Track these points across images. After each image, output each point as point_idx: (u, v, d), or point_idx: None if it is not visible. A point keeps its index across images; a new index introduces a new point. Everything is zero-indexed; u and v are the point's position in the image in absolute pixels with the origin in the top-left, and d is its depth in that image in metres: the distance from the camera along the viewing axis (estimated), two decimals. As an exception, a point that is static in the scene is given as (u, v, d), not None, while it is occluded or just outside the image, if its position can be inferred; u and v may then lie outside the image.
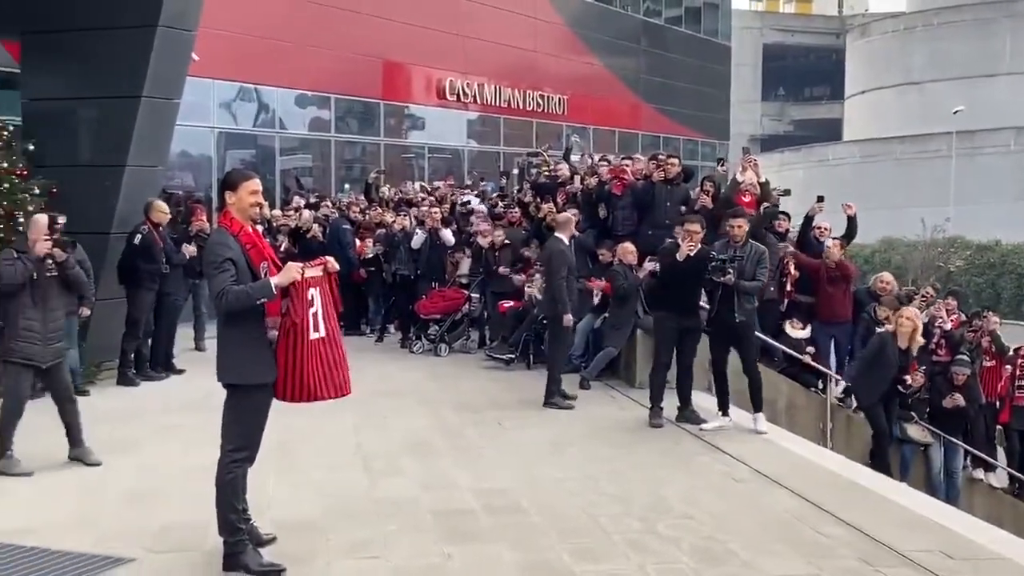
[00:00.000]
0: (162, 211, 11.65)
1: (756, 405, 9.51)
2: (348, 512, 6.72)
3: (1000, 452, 13.31)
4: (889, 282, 12.91)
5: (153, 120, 11.67)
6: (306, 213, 16.22)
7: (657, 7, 36.83)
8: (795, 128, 73.83)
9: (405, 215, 15.55)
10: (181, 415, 9.78)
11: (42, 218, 8.22)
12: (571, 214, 11.90)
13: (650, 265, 11.27)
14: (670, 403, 9.76)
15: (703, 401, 10.11)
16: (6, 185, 10.79)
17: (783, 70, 74.19)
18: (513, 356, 12.78)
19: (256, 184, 5.57)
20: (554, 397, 10.47)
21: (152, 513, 6.67)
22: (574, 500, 7.07)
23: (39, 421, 8.10)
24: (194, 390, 10.52)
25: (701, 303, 9.81)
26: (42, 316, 7.86)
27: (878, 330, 11.38)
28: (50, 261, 7.98)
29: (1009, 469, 12.94)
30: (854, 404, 12.03)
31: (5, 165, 10.86)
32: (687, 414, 9.70)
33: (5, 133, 11.14)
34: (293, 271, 5.32)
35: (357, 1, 23.10)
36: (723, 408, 9.56)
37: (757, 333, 10.34)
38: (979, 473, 12.73)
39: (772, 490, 7.51)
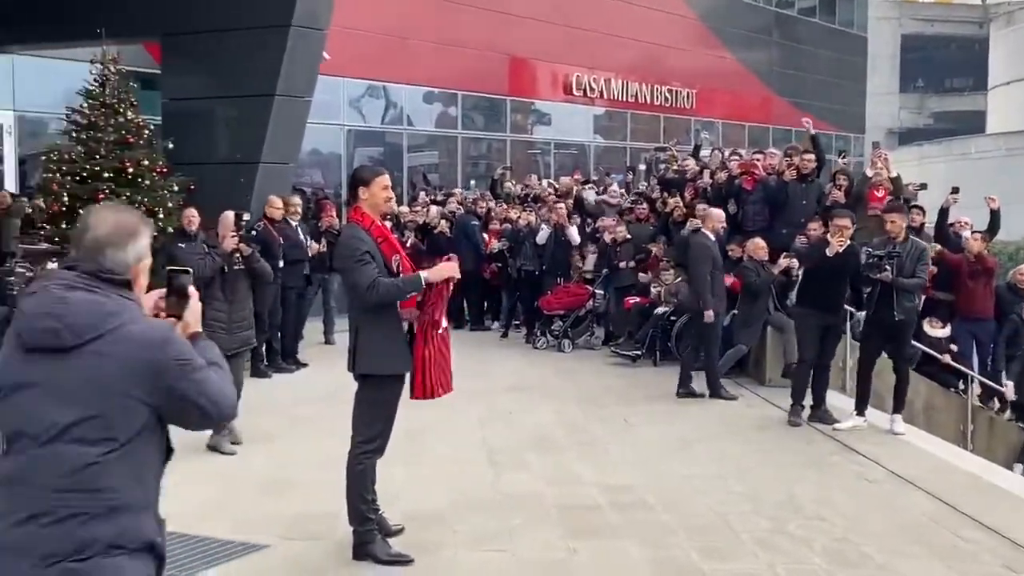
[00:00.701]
0: (275, 206, 11.69)
1: (898, 406, 9.20)
2: (475, 505, 6.73)
3: None
4: (1025, 274, 12.40)
5: (285, 118, 11.92)
6: (433, 209, 16.37)
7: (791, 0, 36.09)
8: (935, 121, 71.46)
9: (531, 211, 15.57)
10: (311, 407, 9.96)
11: (229, 215, 8.65)
12: (706, 210, 11.67)
13: (785, 262, 11.04)
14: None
15: (834, 400, 9.85)
16: (147, 182, 11.18)
17: (922, 61, 71.87)
18: (639, 353, 12.65)
19: (387, 180, 5.63)
20: (719, 390, 10.45)
21: (285, 502, 6.80)
22: (702, 498, 6.95)
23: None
24: (324, 383, 10.69)
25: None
26: (229, 307, 8.35)
27: None
28: (238, 255, 8.46)
29: None
30: (997, 406, 11.55)
31: (147, 163, 11.24)
32: (820, 413, 9.45)
33: (147, 132, 11.55)
34: (449, 270, 5.38)
35: (482, -3, 23.22)
36: (861, 408, 9.26)
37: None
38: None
39: (908, 492, 7.26)
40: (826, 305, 9.31)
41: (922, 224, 12.56)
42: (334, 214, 14.23)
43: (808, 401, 9.52)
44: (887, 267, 8.74)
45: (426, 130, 23.40)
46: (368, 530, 5.64)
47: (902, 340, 9.20)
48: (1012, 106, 62.41)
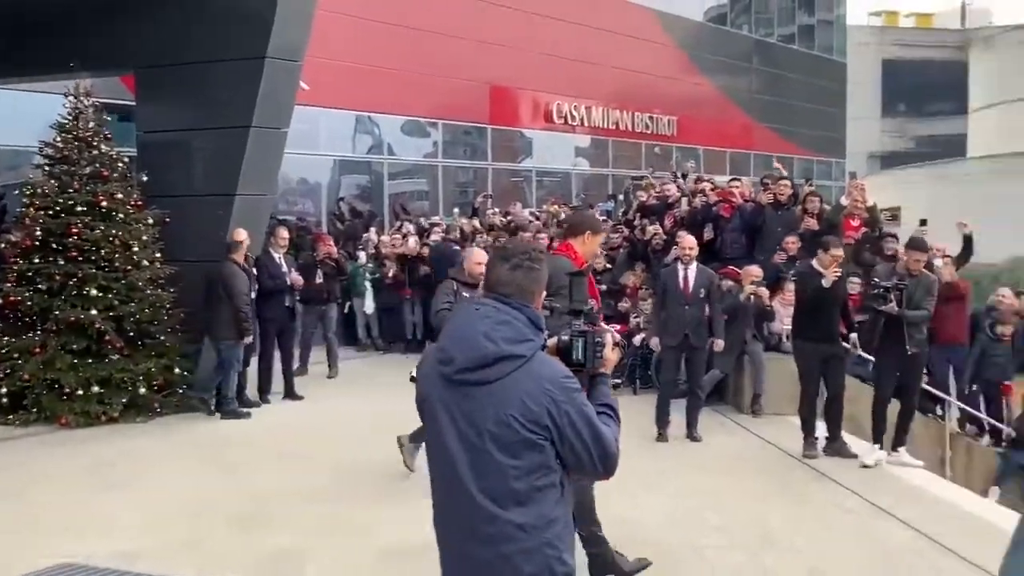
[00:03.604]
0: (238, 238, 11.26)
1: (902, 439, 9.13)
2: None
3: None
4: (1008, 296, 12.39)
5: (262, 149, 11.88)
6: (411, 241, 16.29)
7: (769, 26, 36.34)
8: (916, 144, 71.88)
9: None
10: (295, 443, 9.85)
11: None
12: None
13: (751, 288, 11.08)
14: (775, 428, 9.48)
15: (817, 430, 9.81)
16: (121, 216, 11.11)
17: (903, 85, 72.36)
18: (618, 382, 12.60)
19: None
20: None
21: (255, 537, 6.71)
22: (678, 531, 6.90)
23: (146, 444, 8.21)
24: (312, 416, 10.58)
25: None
26: None
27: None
28: None
29: None
30: (975, 431, 11.53)
31: (121, 196, 11.18)
32: (837, 447, 9.24)
33: (120, 165, 11.49)
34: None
35: (462, 27, 23.31)
36: (879, 440, 9.14)
37: (867, 356, 9.98)
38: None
39: (885, 522, 7.21)
40: (824, 335, 9.14)
41: (895, 252, 12.55)
42: (331, 243, 14.30)
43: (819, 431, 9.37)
44: (892, 299, 8.67)
45: (407, 159, 23.44)
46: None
47: (915, 374, 9.11)
48: (993, 129, 62.86)
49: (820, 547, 6.55)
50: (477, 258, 7.22)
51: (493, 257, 3.20)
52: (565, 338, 3.17)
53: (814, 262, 9.29)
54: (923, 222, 12.58)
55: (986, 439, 11.70)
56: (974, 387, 11.94)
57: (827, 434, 9.33)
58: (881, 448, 9.05)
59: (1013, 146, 57.82)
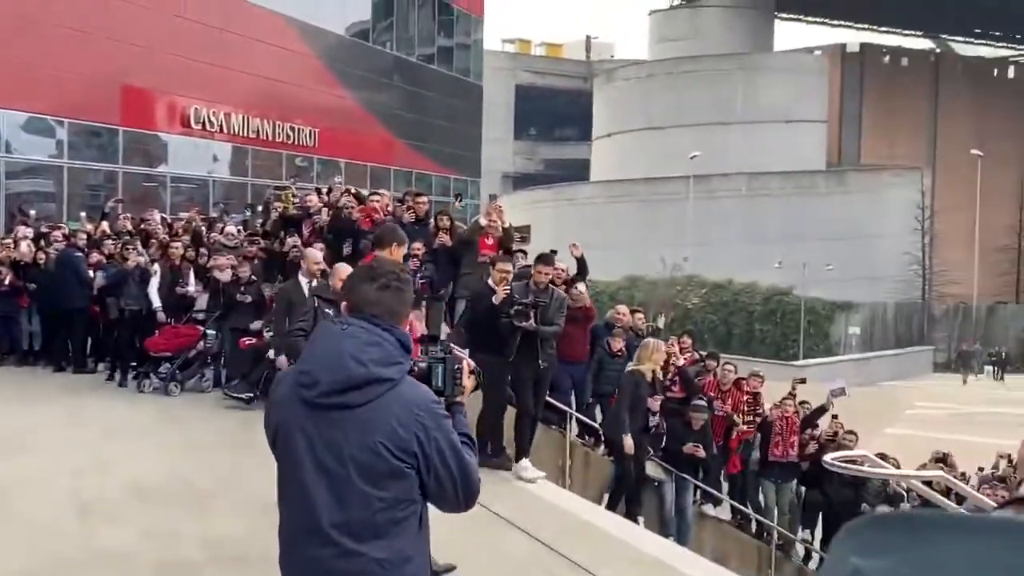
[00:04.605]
0: None
1: (527, 451, 9.45)
2: (61, 566, 6.24)
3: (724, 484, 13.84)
4: (624, 313, 13.29)
5: None
6: (23, 246, 15.14)
7: (411, 45, 37.07)
8: (546, 167, 75.96)
9: (135, 250, 14.65)
10: None
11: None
12: (302, 251, 11.65)
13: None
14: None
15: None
16: None
17: (535, 110, 76.22)
18: (253, 395, 12.34)
19: None
20: None
21: None
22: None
23: None
24: None
25: None
26: None
27: (629, 368, 11.47)
28: None
29: (732, 502, 13.44)
30: (592, 441, 12.25)
31: None
32: (502, 460, 9.33)
33: None
34: None
35: (87, 21, 22.04)
36: (527, 452, 9.35)
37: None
38: (709, 508, 13.18)
39: (509, 533, 7.49)
40: (505, 350, 9.15)
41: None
42: None
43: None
44: (531, 315, 8.97)
45: (28, 158, 21.84)
46: None
47: (544, 387, 9.50)
48: (612, 157, 67.61)
49: (450, 560, 6.69)
50: (342, 274, 6.85)
51: (359, 276, 3.03)
52: (423, 364, 3.05)
53: (490, 280, 9.50)
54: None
55: (601, 449, 12.46)
56: (591, 400, 12.70)
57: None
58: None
59: (628, 173, 62.54)
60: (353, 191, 15.59)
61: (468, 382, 3.16)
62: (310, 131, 30.44)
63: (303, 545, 2.87)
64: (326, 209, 14.49)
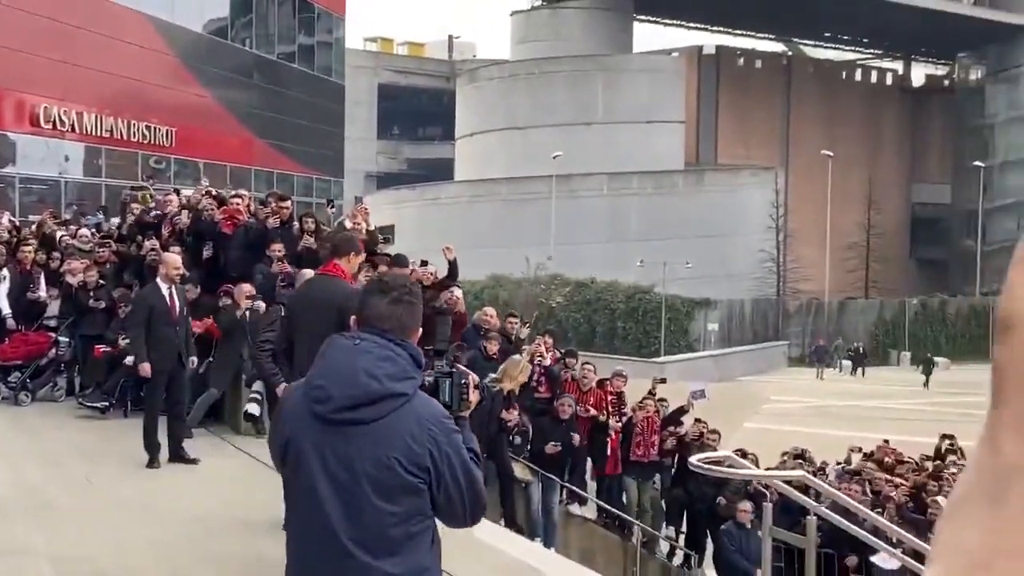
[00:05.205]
0: None
1: None
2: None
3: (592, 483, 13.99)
4: (492, 315, 13.31)
5: None
6: None
7: (271, 43, 36.48)
8: (409, 167, 75.71)
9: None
10: None
11: None
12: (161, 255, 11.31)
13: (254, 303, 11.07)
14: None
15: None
16: None
17: (398, 109, 75.95)
18: (108, 404, 11.96)
19: None
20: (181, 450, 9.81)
21: None
22: (167, 565, 6.64)
23: None
24: None
25: None
26: None
27: (490, 378, 11.44)
28: None
29: (598, 501, 13.58)
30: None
31: None
32: None
33: None
34: None
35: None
36: None
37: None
38: (575, 508, 13.31)
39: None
40: None
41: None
42: None
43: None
44: None
45: None
46: None
47: None
48: (476, 156, 67.85)
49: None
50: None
51: (370, 289, 3.01)
52: (430, 379, 3.01)
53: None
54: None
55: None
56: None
57: None
58: None
59: (491, 172, 62.86)
60: (215, 193, 15.26)
61: (473, 396, 3.15)
62: (167, 131, 29.67)
63: (319, 559, 2.86)
64: (186, 211, 14.13)
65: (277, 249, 12.17)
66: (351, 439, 2.78)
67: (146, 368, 9.64)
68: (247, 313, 11.17)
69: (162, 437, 9.62)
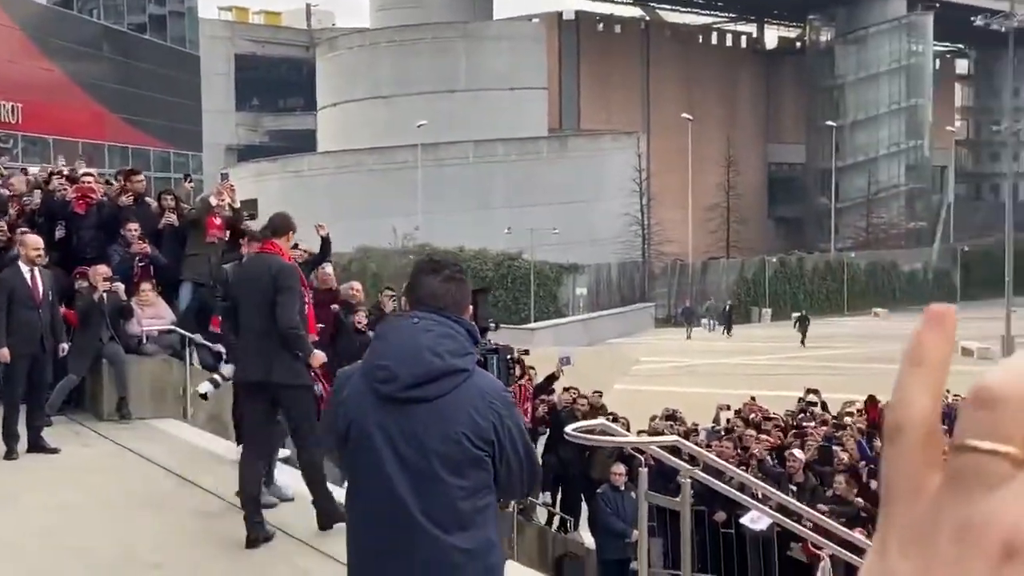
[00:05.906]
0: None
1: None
2: None
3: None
4: (358, 290, 13.14)
5: None
6: None
7: (120, 14, 35.21)
8: (271, 139, 74.31)
9: None
10: None
11: None
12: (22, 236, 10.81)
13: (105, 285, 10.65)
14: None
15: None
16: None
17: (256, 80, 74.33)
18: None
19: None
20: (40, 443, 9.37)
21: None
22: (30, 561, 6.35)
23: None
24: None
25: None
26: None
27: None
28: None
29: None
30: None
31: None
32: None
33: None
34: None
35: None
36: None
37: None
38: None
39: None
40: None
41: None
42: None
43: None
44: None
45: None
46: None
47: None
48: (339, 127, 66.93)
49: (186, 561, 6.41)
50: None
51: (420, 268, 3.06)
52: (478, 356, 3.07)
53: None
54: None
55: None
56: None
57: None
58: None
59: (354, 143, 62.15)
60: (66, 171, 14.66)
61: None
62: (12, 106, 28.43)
63: (390, 535, 2.88)
64: (37, 191, 13.54)
65: (133, 228, 11.76)
66: (417, 416, 2.86)
67: (4, 353, 9.21)
68: (105, 296, 10.77)
69: (20, 427, 9.21)
